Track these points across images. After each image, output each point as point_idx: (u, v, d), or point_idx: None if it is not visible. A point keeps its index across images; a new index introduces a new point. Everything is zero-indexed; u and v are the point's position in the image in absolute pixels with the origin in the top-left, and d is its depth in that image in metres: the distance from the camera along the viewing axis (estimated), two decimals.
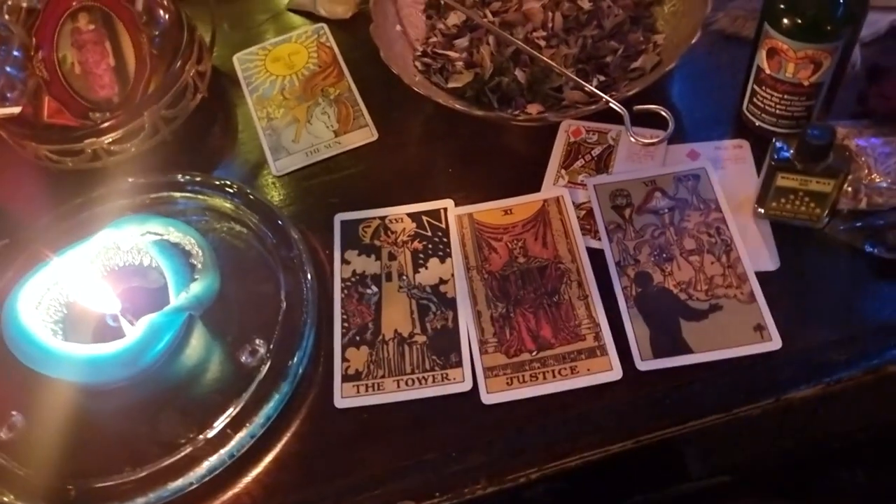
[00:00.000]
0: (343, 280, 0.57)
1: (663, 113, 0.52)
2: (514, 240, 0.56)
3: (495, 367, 0.51)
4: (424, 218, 0.59)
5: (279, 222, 0.58)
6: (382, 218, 0.59)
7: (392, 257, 0.57)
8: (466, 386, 0.50)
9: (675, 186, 0.57)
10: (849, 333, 0.49)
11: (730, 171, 0.58)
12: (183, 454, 0.48)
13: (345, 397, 0.51)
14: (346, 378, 0.52)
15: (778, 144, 0.51)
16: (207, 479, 0.48)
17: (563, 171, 0.59)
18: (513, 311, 0.53)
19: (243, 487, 0.49)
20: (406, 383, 0.51)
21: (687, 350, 0.49)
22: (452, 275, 0.56)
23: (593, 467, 0.50)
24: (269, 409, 0.50)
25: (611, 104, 0.53)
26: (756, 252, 0.53)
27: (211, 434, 0.49)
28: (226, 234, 0.59)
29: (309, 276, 0.55)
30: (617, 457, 0.49)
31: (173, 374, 0.52)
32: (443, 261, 0.57)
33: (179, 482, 0.47)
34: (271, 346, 0.52)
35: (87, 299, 0.52)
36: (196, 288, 0.52)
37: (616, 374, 0.50)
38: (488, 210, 0.58)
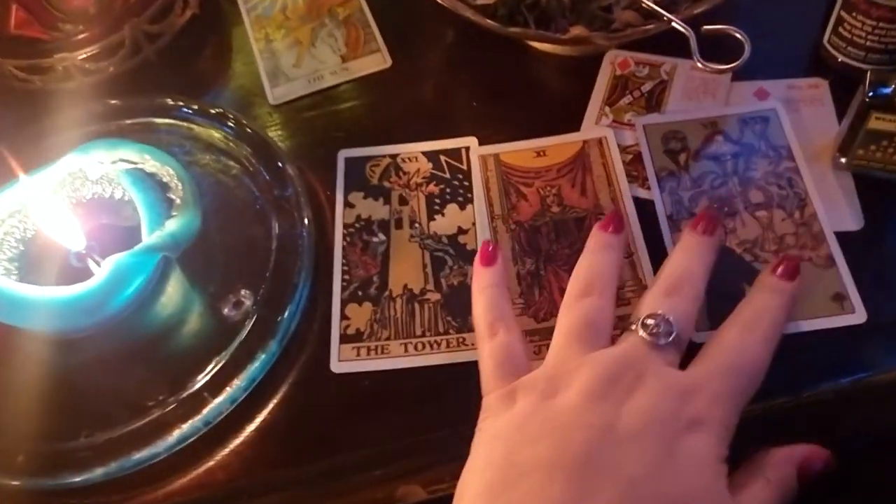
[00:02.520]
0: (346, 226, 0.49)
1: (738, 35, 0.44)
2: (548, 186, 0.48)
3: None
4: (443, 158, 0.51)
5: (274, 157, 0.50)
6: (394, 156, 0.51)
7: (403, 201, 0.49)
8: None
9: (739, 129, 0.48)
10: None
11: (804, 114, 0.49)
12: (150, 419, 0.41)
13: (343, 360, 0.44)
14: (344, 339, 0.44)
15: (874, 78, 0.42)
16: (178, 448, 0.41)
17: (606, 109, 0.51)
18: (543, 269, 0.45)
19: (219, 461, 0.42)
20: (415, 347, 0.44)
21: None
22: (474, 223, 0.48)
23: None
24: (253, 370, 0.42)
25: (674, 24, 0.44)
26: (836, 208, 0.45)
27: (184, 396, 0.42)
28: (212, 169, 0.51)
29: (305, 220, 0.47)
30: None
31: (144, 326, 0.45)
32: (463, 207, 0.49)
33: (145, 452, 0.40)
34: (259, 298, 0.45)
35: (48, 232, 0.44)
36: (172, 225, 0.44)
37: None
38: (518, 151, 0.50)
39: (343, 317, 0.45)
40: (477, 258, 0.43)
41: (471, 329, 0.44)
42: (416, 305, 0.45)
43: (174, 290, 0.46)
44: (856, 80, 0.44)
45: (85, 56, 0.54)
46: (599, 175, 0.48)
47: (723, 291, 0.42)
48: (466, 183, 0.49)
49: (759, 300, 0.39)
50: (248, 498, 0.40)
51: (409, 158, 0.51)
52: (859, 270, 0.43)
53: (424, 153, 0.51)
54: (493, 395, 0.37)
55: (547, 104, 0.53)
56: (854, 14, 0.46)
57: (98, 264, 0.45)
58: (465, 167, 0.50)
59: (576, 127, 0.50)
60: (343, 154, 0.52)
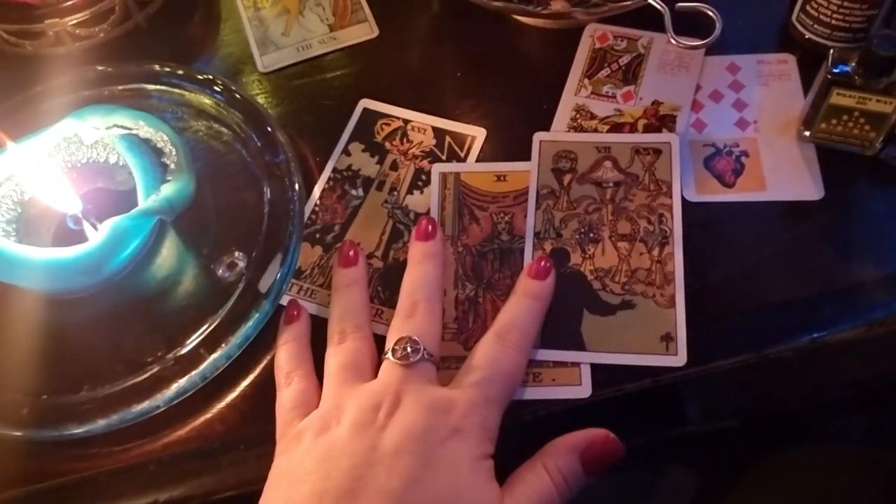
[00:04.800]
0: (335, 170, 0.51)
1: (709, 12, 0.46)
2: (502, 212, 0.48)
3: (448, 358, 0.43)
4: (447, 139, 0.52)
5: (265, 124, 0.52)
6: (407, 122, 0.53)
7: (394, 167, 0.51)
8: None
9: (630, 158, 0.49)
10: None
11: (772, 88, 0.51)
12: (149, 374, 0.43)
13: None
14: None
15: (836, 56, 0.45)
16: (176, 402, 0.43)
17: (586, 81, 0.53)
18: (482, 296, 0.46)
19: (216, 413, 0.44)
20: None
21: (579, 346, 0.43)
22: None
23: None
24: (247, 328, 0.44)
25: (650, 0, 0.46)
26: (798, 180, 0.48)
27: (182, 353, 0.44)
28: (204, 135, 0.52)
29: (296, 185, 0.49)
30: None
31: (141, 287, 0.47)
32: None
33: (145, 404, 0.43)
34: (251, 260, 0.47)
35: (43, 196, 0.45)
36: (167, 190, 0.45)
37: None
38: (479, 173, 0.50)
39: None
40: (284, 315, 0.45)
41: (391, 305, 0.45)
42: None
43: (169, 253, 0.48)
44: (822, 57, 0.46)
45: (75, 22, 0.55)
46: None
47: (562, 313, 0.44)
48: None
49: (513, 307, 0.43)
50: (245, 448, 0.43)
51: (419, 128, 0.52)
52: (819, 240, 0.46)
53: (434, 128, 0.52)
54: (284, 440, 0.40)
55: (529, 76, 0.54)
56: None
57: (95, 227, 0.47)
58: (462, 154, 0.51)
59: (556, 98, 0.52)
60: (363, 104, 0.53)
